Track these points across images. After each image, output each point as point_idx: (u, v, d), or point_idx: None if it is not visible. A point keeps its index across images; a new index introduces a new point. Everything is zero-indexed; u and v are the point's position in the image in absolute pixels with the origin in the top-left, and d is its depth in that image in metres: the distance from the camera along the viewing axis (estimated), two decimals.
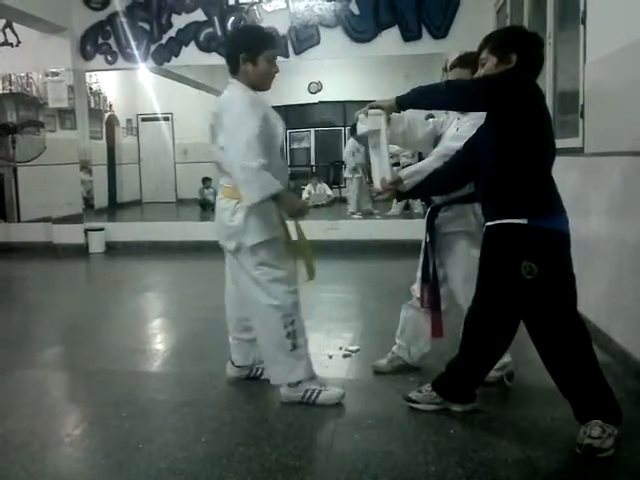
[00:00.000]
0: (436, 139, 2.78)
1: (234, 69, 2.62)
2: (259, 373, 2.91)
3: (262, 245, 2.56)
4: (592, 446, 2.07)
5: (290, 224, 2.68)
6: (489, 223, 2.27)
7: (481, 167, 2.30)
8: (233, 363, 2.90)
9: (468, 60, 2.62)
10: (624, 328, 2.94)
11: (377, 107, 2.39)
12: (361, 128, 2.46)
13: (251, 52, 2.55)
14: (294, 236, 2.69)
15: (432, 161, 2.59)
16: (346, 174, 10.16)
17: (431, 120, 2.92)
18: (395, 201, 9.30)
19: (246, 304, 2.69)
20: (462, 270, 2.61)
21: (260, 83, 2.61)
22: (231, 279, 2.80)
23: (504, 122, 2.16)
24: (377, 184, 2.52)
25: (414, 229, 5.86)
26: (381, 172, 2.50)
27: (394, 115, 2.52)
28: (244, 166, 2.40)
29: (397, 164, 8.64)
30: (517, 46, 2.20)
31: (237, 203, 2.55)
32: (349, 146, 9.91)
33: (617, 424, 2.13)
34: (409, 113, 2.56)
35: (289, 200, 2.60)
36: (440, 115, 3.08)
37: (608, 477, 2.00)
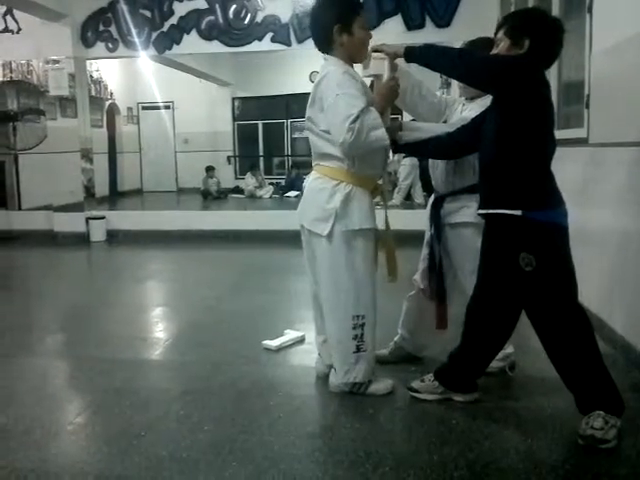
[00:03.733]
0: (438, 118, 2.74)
1: (327, 45, 2.46)
2: None
3: (358, 233, 2.45)
4: (594, 437, 2.06)
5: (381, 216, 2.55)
6: (481, 211, 2.26)
7: (482, 151, 2.28)
8: (322, 360, 2.77)
9: (477, 46, 2.59)
10: (626, 319, 2.93)
11: (380, 51, 2.36)
12: (365, 72, 2.43)
13: (345, 21, 2.40)
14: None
15: (436, 127, 2.56)
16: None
17: (439, 93, 2.85)
18: (396, 191, 9.27)
19: (321, 288, 2.55)
20: (469, 261, 2.56)
21: (357, 53, 2.47)
22: (311, 272, 2.63)
23: (507, 108, 2.14)
24: None
25: (415, 219, 5.85)
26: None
27: (402, 68, 2.47)
28: (346, 136, 2.25)
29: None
30: (531, 32, 2.14)
31: (337, 184, 2.43)
32: None
33: (620, 415, 2.13)
34: (419, 76, 2.49)
35: (379, 95, 2.41)
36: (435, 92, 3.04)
37: (610, 468, 2.00)
